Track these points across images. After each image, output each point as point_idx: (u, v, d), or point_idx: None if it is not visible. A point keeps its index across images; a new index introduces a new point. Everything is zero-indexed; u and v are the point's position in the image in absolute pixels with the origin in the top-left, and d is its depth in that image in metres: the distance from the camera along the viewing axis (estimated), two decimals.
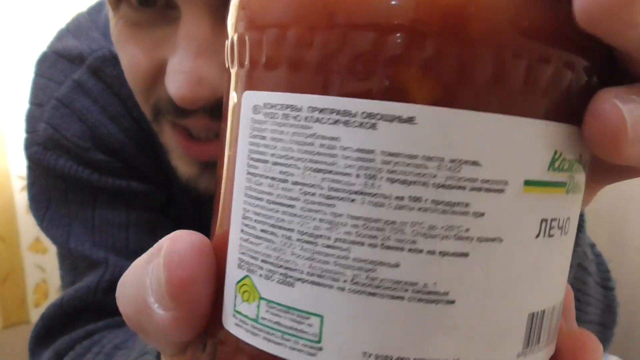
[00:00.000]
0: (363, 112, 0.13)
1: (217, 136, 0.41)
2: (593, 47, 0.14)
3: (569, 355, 0.16)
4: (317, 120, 0.13)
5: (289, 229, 0.14)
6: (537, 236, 0.14)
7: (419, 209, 0.13)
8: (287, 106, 0.14)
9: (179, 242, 0.15)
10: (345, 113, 0.13)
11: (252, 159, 0.14)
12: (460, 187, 0.13)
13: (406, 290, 0.13)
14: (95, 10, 0.55)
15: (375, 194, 0.13)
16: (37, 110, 0.52)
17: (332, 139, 0.13)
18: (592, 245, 0.43)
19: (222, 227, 0.16)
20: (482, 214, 0.13)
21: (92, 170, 0.49)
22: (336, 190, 0.13)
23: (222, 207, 0.16)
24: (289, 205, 0.14)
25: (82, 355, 0.44)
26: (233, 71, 0.16)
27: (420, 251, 0.13)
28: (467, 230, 0.13)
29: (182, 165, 0.43)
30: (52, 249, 1.01)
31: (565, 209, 0.14)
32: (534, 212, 0.14)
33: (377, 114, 0.13)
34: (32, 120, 0.53)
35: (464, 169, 0.13)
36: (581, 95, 0.14)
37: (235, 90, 0.16)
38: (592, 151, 0.14)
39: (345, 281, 0.13)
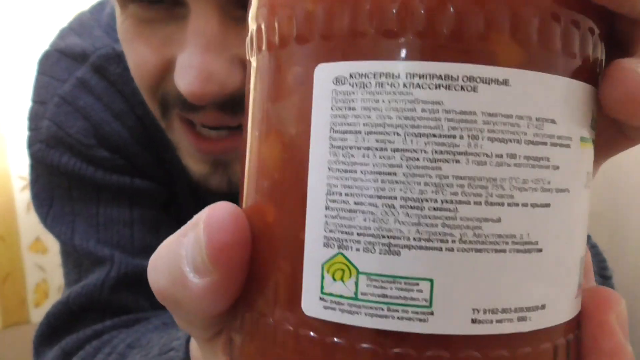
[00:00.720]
0: (464, 76, 0.13)
1: (229, 133, 0.40)
2: (604, 14, 0.16)
3: (594, 308, 0.17)
4: (418, 85, 0.13)
5: (390, 197, 0.14)
6: (585, 186, 0.16)
7: (515, 164, 0.14)
8: (382, 74, 0.14)
9: (218, 209, 0.16)
10: (447, 77, 0.13)
11: (336, 131, 0.14)
12: (543, 143, 0.14)
13: (507, 243, 0.14)
14: (97, 9, 0.55)
15: (478, 154, 0.14)
16: (39, 108, 0.51)
17: (435, 102, 0.13)
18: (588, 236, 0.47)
19: (274, 213, 0.15)
20: (558, 167, 0.15)
21: (96, 168, 0.49)
22: (441, 152, 0.13)
23: (285, 191, 0.15)
24: (390, 173, 0.14)
25: (93, 355, 0.43)
26: (277, 52, 0.15)
27: (517, 205, 0.14)
28: (549, 182, 0.14)
29: (193, 163, 0.43)
30: (52, 249, 1.08)
31: (592, 163, 0.17)
32: (585, 165, 0.16)
33: (477, 77, 0.13)
34: (34, 118, 0.52)
35: (546, 126, 0.14)
36: (599, 61, 0.16)
37: (289, 67, 0.15)
38: (614, 114, 0.16)
39: (453, 241, 0.14)
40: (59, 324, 0.47)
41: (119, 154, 0.50)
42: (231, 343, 0.17)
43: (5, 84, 1.06)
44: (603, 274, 0.43)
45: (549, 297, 0.15)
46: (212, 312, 0.17)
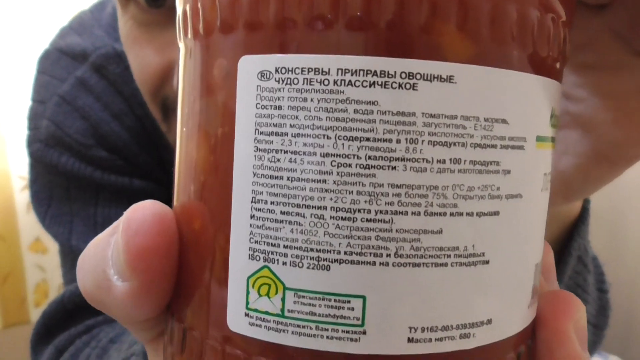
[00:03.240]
0: (402, 72, 0.12)
1: None
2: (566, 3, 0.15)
3: (550, 315, 0.16)
4: (350, 83, 0.12)
5: (320, 207, 0.12)
6: (542, 190, 0.14)
7: (459, 170, 0.12)
8: (311, 69, 0.12)
9: (140, 210, 0.15)
10: (383, 74, 0.12)
11: (261, 133, 0.13)
12: (492, 146, 0.13)
13: (449, 256, 0.13)
14: (97, 8, 0.54)
15: (417, 159, 0.12)
16: (39, 107, 0.51)
17: (369, 102, 0.12)
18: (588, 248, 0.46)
19: (197, 221, 0.14)
20: (509, 172, 0.13)
21: (95, 168, 0.49)
22: (376, 158, 0.12)
23: (211, 197, 0.14)
24: (319, 181, 0.12)
25: (81, 350, 0.43)
26: (202, 39, 0.14)
27: (461, 214, 0.13)
28: (498, 188, 0.13)
29: None
30: (52, 249, 1.08)
31: (551, 163, 0.15)
32: (541, 166, 0.14)
33: (417, 74, 0.12)
34: (34, 117, 0.52)
35: (496, 127, 0.13)
36: (561, 52, 0.15)
37: (215, 59, 0.14)
38: None
39: (389, 255, 0.12)
40: (55, 323, 0.47)
41: (117, 154, 0.50)
42: (164, 352, 0.16)
43: (5, 84, 1.06)
44: (600, 287, 0.42)
45: (496, 311, 0.14)
46: (138, 317, 0.16)
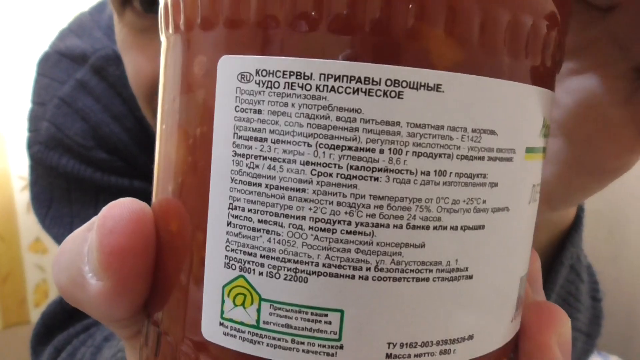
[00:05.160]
0: (387, 80, 0.11)
1: None
2: (565, 3, 0.14)
3: (534, 328, 0.16)
4: (333, 89, 0.11)
5: (298, 217, 0.12)
6: (529, 202, 0.14)
7: (444, 183, 0.12)
8: (292, 73, 0.12)
9: (116, 207, 0.14)
10: (367, 81, 0.11)
11: (240, 137, 0.12)
12: (480, 158, 0.12)
13: (431, 271, 0.12)
14: (97, 10, 0.54)
15: (401, 170, 0.12)
16: (39, 109, 0.51)
17: (352, 110, 0.11)
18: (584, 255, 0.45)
19: (174, 223, 0.14)
20: (496, 184, 0.13)
21: (95, 169, 0.49)
22: (357, 168, 0.12)
23: (188, 200, 0.13)
24: (298, 190, 0.12)
25: (78, 348, 0.44)
26: (183, 35, 0.13)
27: (445, 228, 0.12)
28: (484, 202, 0.13)
29: None
30: (52, 249, 1.08)
31: (541, 173, 0.15)
32: (529, 178, 0.14)
33: (403, 81, 0.11)
34: (34, 119, 0.52)
35: (484, 138, 0.12)
36: (555, 60, 0.14)
37: (195, 56, 0.13)
38: None
39: (368, 269, 0.12)
40: (54, 323, 0.47)
41: (117, 155, 0.50)
42: (140, 353, 0.16)
43: (5, 85, 1.06)
44: (594, 296, 0.42)
45: (479, 326, 0.13)
46: (112, 316, 0.15)
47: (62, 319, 0.47)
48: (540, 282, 0.18)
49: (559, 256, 0.34)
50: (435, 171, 0.12)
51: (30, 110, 0.53)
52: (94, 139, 0.49)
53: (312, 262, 0.12)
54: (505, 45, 0.12)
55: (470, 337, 0.13)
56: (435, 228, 0.12)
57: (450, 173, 0.12)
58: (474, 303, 0.13)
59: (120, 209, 0.14)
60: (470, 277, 0.13)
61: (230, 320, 0.13)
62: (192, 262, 0.13)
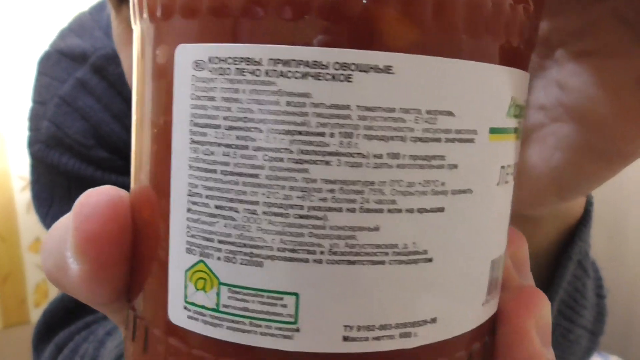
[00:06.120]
0: (336, 63, 0.11)
1: None
2: None
3: (512, 312, 0.15)
4: (282, 74, 0.12)
5: (252, 202, 0.12)
6: (498, 184, 0.14)
7: (398, 165, 0.12)
8: (242, 59, 0.12)
9: (94, 195, 0.15)
10: (316, 64, 0.11)
11: (196, 124, 0.12)
12: (436, 140, 0.12)
13: (387, 254, 0.12)
14: (97, 10, 0.55)
15: (352, 154, 0.12)
16: (40, 108, 0.52)
17: (301, 94, 0.12)
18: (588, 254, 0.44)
19: (149, 212, 0.14)
20: (456, 166, 0.13)
21: (96, 168, 0.49)
22: (308, 152, 0.12)
23: (156, 188, 0.14)
24: (252, 175, 0.12)
25: (80, 345, 0.44)
26: (148, 24, 0.13)
27: (400, 211, 0.12)
28: (443, 184, 0.13)
29: None
30: None
31: (514, 155, 0.15)
32: (496, 159, 0.14)
33: (352, 64, 0.11)
34: (35, 118, 0.53)
35: (440, 120, 0.12)
36: (528, 39, 0.14)
37: (157, 45, 0.13)
38: None
39: (322, 252, 0.12)
40: (55, 321, 0.48)
41: (118, 154, 0.50)
42: (124, 335, 0.16)
43: (5, 84, 1.06)
44: (599, 293, 0.40)
45: (442, 310, 0.13)
46: (94, 300, 0.16)
47: (64, 316, 0.48)
48: (527, 266, 0.18)
49: (567, 251, 0.33)
50: (388, 154, 0.12)
51: (30, 109, 0.54)
52: (95, 137, 0.50)
53: (266, 247, 0.12)
54: (463, 24, 0.12)
55: (433, 319, 0.13)
56: (389, 211, 0.12)
57: (404, 155, 0.12)
58: (435, 286, 0.13)
59: (97, 196, 0.15)
60: (430, 259, 0.13)
61: (193, 304, 0.13)
62: (160, 248, 0.14)
